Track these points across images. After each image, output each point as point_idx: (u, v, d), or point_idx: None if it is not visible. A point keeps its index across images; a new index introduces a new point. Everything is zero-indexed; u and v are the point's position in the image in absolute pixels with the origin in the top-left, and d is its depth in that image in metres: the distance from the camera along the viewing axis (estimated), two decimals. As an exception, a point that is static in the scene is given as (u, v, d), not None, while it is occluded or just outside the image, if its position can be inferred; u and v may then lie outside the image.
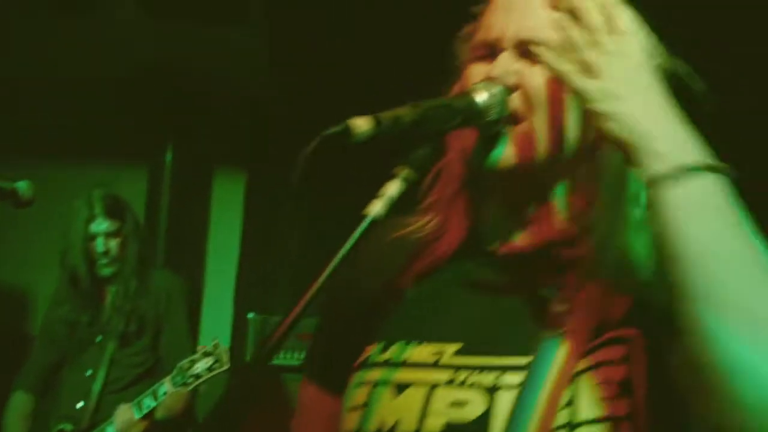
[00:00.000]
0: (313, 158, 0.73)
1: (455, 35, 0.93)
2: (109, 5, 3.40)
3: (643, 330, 0.79)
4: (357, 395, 0.85)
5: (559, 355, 0.78)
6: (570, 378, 0.76)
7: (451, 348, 0.83)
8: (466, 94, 0.80)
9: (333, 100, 3.71)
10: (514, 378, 0.77)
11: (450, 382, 0.80)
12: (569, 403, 0.76)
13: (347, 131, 0.72)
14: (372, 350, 0.88)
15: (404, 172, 0.76)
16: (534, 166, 0.83)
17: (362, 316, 0.92)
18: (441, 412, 0.79)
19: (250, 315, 3.57)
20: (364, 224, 0.74)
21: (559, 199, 0.86)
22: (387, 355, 0.86)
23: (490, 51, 0.85)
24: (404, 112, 0.76)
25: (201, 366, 2.42)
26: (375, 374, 0.85)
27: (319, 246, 3.00)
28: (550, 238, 0.85)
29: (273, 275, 3.82)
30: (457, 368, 0.81)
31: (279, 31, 3.61)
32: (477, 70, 0.85)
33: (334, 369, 0.93)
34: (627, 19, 0.77)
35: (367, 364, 0.87)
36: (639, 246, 0.80)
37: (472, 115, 0.79)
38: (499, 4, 0.87)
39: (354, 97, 3.42)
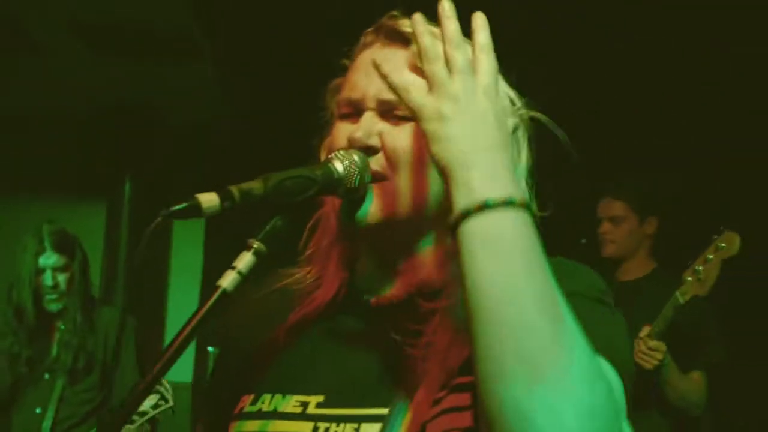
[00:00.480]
0: (155, 234, 0.75)
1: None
2: (59, 46, 3.51)
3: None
4: None
5: (413, 403, 0.80)
6: (419, 427, 0.78)
7: (316, 399, 0.85)
8: (325, 164, 0.82)
9: (283, 128, 3.91)
10: (373, 428, 0.79)
11: (315, 430, 0.83)
12: None
13: (195, 207, 0.73)
14: (246, 401, 0.90)
15: (256, 245, 0.78)
16: (399, 221, 0.85)
17: (241, 368, 0.94)
18: None
19: (210, 348, 3.69)
20: (215, 296, 0.76)
21: (425, 251, 0.88)
22: (258, 407, 0.88)
23: (355, 110, 0.87)
24: (255, 185, 0.77)
25: (146, 404, 2.43)
26: (249, 426, 0.88)
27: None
28: (414, 290, 0.87)
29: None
30: (320, 419, 0.83)
31: (228, 67, 3.73)
32: (342, 129, 0.87)
33: (217, 417, 0.96)
34: (484, 45, 0.76)
35: (241, 415, 0.89)
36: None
37: (331, 184, 0.81)
38: (361, 64, 0.88)
39: (300, 124, 3.52)
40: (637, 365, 2.23)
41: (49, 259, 2.59)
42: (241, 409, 0.89)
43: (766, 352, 3.20)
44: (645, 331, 2.26)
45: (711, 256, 2.22)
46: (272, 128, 4.03)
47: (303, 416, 0.84)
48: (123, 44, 3.57)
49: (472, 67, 0.74)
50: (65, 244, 2.65)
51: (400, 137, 0.83)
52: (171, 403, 2.49)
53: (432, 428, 0.78)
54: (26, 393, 2.64)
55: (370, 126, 0.84)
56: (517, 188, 0.72)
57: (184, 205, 0.73)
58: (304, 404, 0.85)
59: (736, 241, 2.21)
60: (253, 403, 0.88)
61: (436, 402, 0.80)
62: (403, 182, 0.83)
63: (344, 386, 0.85)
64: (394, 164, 0.84)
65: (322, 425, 0.82)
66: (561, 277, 0.73)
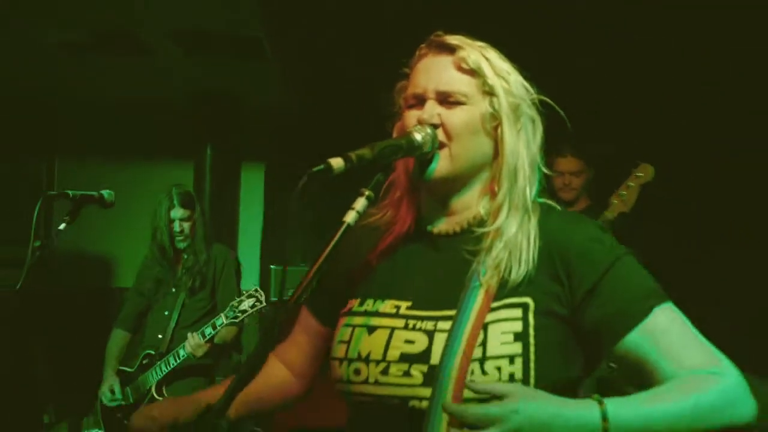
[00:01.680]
0: (306, 185, 0.93)
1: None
2: (162, 48, 4.14)
3: (533, 298, 1.02)
4: (344, 334, 1.12)
5: (474, 308, 1.02)
6: (481, 326, 1.00)
7: (404, 303, 1.09)
8: (408, 135, 1.04)
9: (335, 111, 4.60)
10: (446, 325, 1.03)
11: (404, 327, 1.06)
12: (482, 344, 1.00)
13: (328, 168, 0.94)
14: (353, 304, 1.14)
15: (367, 192, 1.02)
16: (454, 174, 1.08)
17: (347, 280, 1.17)
18: (397, 347, 1.05)
19: (272, 266, 4.71)
20: (342, 228, 0.98)
21: (469, 195, 1.12)
22: (364, 308, 1.12)
23: (418, 101, 1.10)
24: (365, 152, 0.99)
25: (246, 304, 2.96)
26: (356, 320, 1.12)
27: (317, 219, 4.04)
28: (467, 222, 1.11)
29: (287, 239, 4.86)
30: (409, 318, 1.07)
31: (289, 61, 4.36)
32: (411, 115, 1.09)
33: (326, 310, 1.22)
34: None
35: (351, 313, 1.13)
36: (525, 232, 1.06)
37: (412, 149, 1.04)
38: (421, 69, 1.11)
39: (350, 113, 4.20)
40: None
41: (177, 212, 3.22)
42: (350, 308, 1.14)
43: (680, 255, 3.59)
44: None
45: (632, 184, 2.70)
46: (325, 111, 4.70)
47: (397, 315, 1.09)
48: (208, 46, 4.10)
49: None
50: (188, 201, 3.27)
51: (453, 117, 1.08)
52: (264, 304, 3.03)
53: (491, 328, 1.01)
54: (159, 302, 3.34)
55: (432, 110, 1.08)
56: None
57: (321, 166, 0.94)
58: (398, 307, 1.09)
59: (650, 170, 2.70)
60: (360, 304, 1.13)
61: (494, 310, 1.01)
62: (457, 148, 1.08)
63: (425, 294, 1.08)
64: (450, 136, 1.07)
65: (411, 322, 1.07)
66: (605, 243, 1.03)
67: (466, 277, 1.07)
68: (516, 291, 1.05)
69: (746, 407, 0.97)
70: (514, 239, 1.06)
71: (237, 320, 2.98)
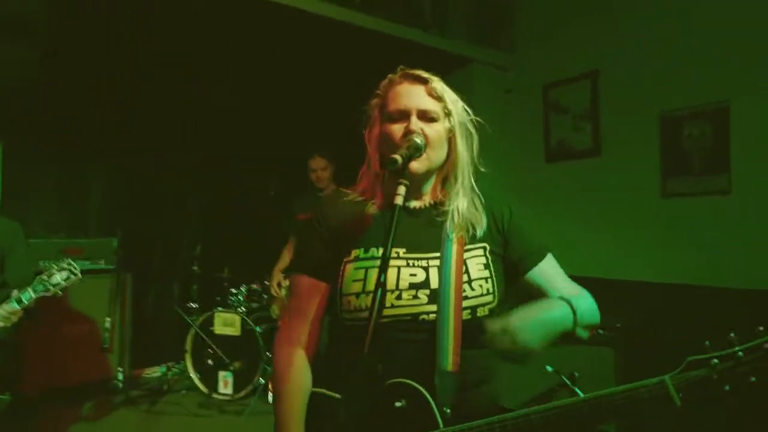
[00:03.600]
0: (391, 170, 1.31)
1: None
2: None
3: (487, 243, 1.43)
4: (357, 274, 1.36)
5: (453, 251, 1.37)
6: (462, 261, 1.37)
7: (401, 249, 1.39)
8: (412, 142, 1.36)
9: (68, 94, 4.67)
10: (435, 262, 1.37)
11: (406, 265, 1.37)
12: (466, 271, 1.37)
13: (393, 162, 1.29)
14: (358, 252, 1.39)
15: (405, 182, 1.31)
16: (428, 171, 1.42)
17: (339, 238, 1.41)
18: (405, 279, 1.36)
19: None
20: (397, 209, 1.25)
21: (431, 184, 1.47)
22: (370, 254, 1.38)
23: (402, 116, 1.39)
24: (403, 152, 1.33)
25: (59, 277, 2.76)
26: (366, 263, 1.37)
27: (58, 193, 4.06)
28: (433, 201, 1.47)
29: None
30: (408, 259, 1.38)
31: (47, 48, 4.42)
32: (396, 127, 1.39)
33: (326, 266, 1.41)
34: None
35: (358, 259, 1.38)
36: (474, 205, 1.44)
37: (415, 151, 1.36)
38: (402, 92, 1.41)
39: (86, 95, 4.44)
40: None
41: None
42: (356, 256, 1.38)
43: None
44: None
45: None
46: (62, 91, 4.75)
47: (398, 258, 1.38)
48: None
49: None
50: None
51: (432, 130, 1.40)
52: (79, 276, 2.81)
53: (469, 261, 1.38)
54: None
55: (417, 124, 1.39)
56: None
57: (394, 163, 1.30)
58: (397, 252, 1.38)
59: None
60: (365, 252, 1.39)
61: (467, 251, 1.39)
62: (431, 152, 1.41)
63: (414, 243, 1.39)
64: (429, 143, 1.39)
65: (410, 261, 1.38)
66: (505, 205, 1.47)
67: (440, 234, 1.42)
68: (477, 240, 1.43)
69: (598, 314, 1.45)
70: (468, 211, 1.44)
71: (49, 293, 2.79)
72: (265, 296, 4.86)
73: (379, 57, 4.31)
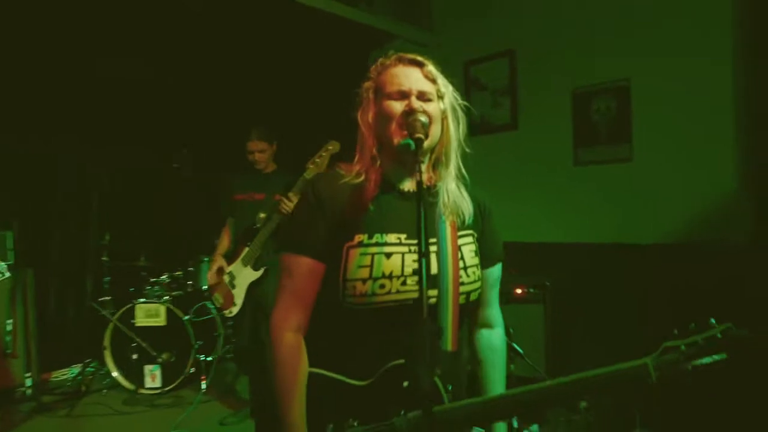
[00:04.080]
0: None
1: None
2: None
3: (474, 230, 1.49)
4: (363, 260, 1.36)
5: (447, 236, 1.40)
6: (457, 247, 1.42)
7: (402, 235, 1.40)
8: (420, 124, 1.38)
9: None
10: (434, 248, 1.41)
11: (409, 251, 1.38)
12: (461, 258, 1.42)
13: (420, 140, 1.34)
14: (362, 238, 1.37)
15: (422, 160, 1.36)
16: (427, 147, 1.42)
17: (340, 221, 1.38)
18: (409, 265, 1.37)
19: None
20: (419, 190, 1.24)
21: (428, 165, 1.48)
22: (374, 240, 1.37)
23: (401, 96, 1.41)
24: (420, 133, 1.35)
25: None
26: (371, 249, 1.36)
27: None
28: (426, 183, 1.45)
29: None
30: (410, 245, 1.39)
31: None
32: (396, 104, 1.41)
33: (326, 248, 1.39)
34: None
35: (363, 245, 1.37)
36: (460, 190, 1.46)
37: (423, 130, 1.37)
38: (400, 74, 1.43)
39: None
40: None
41: None
42: (361, 241, 1.37)
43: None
44: (290, 197, 3.45)
45: (324, 154, 3.39)
46: None
47: (401, 244, 1.39)
48: None
49: None
50: None
51: (431, 107, 1.42)
52: (8, 274, 2.98)
53: (463, 248, 1.44)
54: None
55: (417, 103, 1.40)
56: None
57: (411, 142, 1.35)
58: (399, 238, 1.39)
59: (337, 145, 3.40)
60: (369, 238, 1.38)
61: (459, 237, 1.44)
62: (433, 129, 1.42)
63: (413, 228, 1.41)
64: (431, 120, 1.41)
65: (412, 247, 1.40)
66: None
67: (434, 218, 1.45)
68: (466, 226, 1.49)
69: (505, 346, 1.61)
70: (457, 194, 1.47)
71: None
72: (190, 283, 4.74)
73: (307, 31, 4.44)
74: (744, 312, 2.42)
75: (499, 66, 4.54)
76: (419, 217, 1.19)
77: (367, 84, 1.48)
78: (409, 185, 1.48)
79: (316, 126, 3.97)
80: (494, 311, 1.58)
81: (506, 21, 4.50)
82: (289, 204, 3.40)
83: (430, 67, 1.45)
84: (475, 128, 4.54)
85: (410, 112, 1.39)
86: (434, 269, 1.40)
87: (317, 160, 3.37)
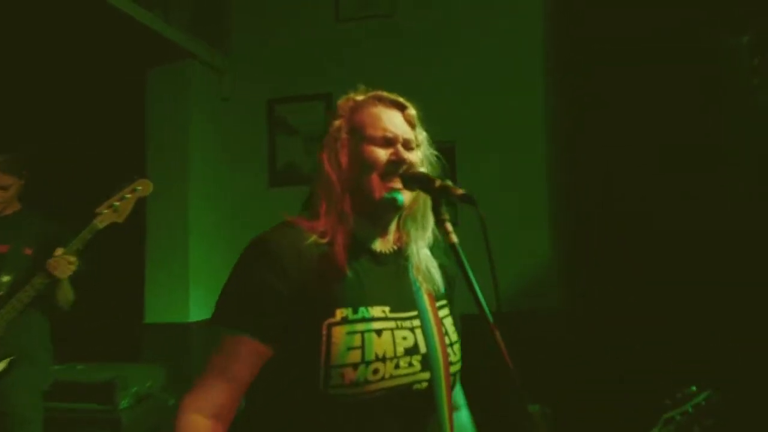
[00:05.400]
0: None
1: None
2: None
3: (447, 299, 1.41)
4: (352, 340, 1.22)
5: (427, 308, 1.33)
6: (439, 322, 1.34)
7: (386, 308, 1.28)
8: (420, 175, 1.29)
9: None
10: (417, 322, 1.31)
11: (397, 327, 1.27)
12: (446, 334, 1.34)
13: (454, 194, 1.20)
14: (345, 312, 1.23)
15: (448, 217, 1.21)
16: (407, 204, 1.34)
17: (313, 291, 1.23)
18: (400, 344, 1.26)
19: None
20: (459, 249, 1.16)
21: (395, 221, 1.38)
22: (360, 315, 1.24)
23: (386, 142, 1.31)
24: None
25: None
26: (359, 326, 1.23)
27: None
28: (395, 243, 1.38)
29: None
30: (396, 319, 1.28)
31: None
32: (379, 151, 1.30)
33: (272, 329, 1.23)
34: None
35: (349, 321, 1.23)
36: (434, 250, 1.38)
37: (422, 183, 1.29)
38: (383, 118, 1.33)
39: None
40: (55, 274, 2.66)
41: None
42: (344, 317, 1.23)
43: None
44: (60, 251, 2.68)
45: (128, 195, 2.74)
46: None
47: (387, 318, 1.27)
48: None
49: None
50: None
51: (414, 159, 1.32)
52: None
53: (444, 322, 1.37)
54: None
55: (404, 152, 1.31)
56: None
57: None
58: (383, 310, 1.27)
59: (149, 186, 2.78)
60: (354, 312, 1.24)
61: (438, 308, 1.37)
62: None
63: (394, 299, 1.30)
64: None
65: (398, 322, 1.28)
66: None
67: (409, 284, 1.35)
68: (442, 294, 1.40)
69: None
70: (429, 257, 1.38)
71: None
72: None
73: (83, 30, 3.52)
74: (555, 374, 2.83)
75: (312, 109, 4.00)
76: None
77: (338, 122, 1.35)
78: (381, 246, 1.36)
79: (83, 153, 3.58)
80: (458, 390, 1.52)
81: (320, 61, 4.05)
82: (65, 265, 2.64)
83: (412, 111, 1.37)
84: (279, 177, 4.04)
85: (398, 161, 1.30)
86: (423, 348, 1.29)
87: (116, 203, 2.72)
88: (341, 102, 1.38)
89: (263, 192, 4.12)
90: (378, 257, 1.34)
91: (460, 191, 1.18)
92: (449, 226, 1.18)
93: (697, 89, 3.52)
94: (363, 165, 1.30)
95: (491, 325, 1.07)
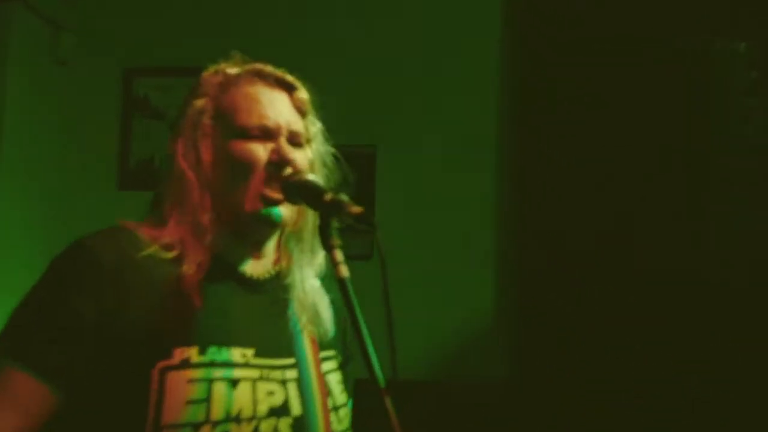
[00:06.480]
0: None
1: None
2: None
3: (336, 350, 1.24)
4: (196, 391, 1.02)
5: (308, 357, 1.16)
6: (321, 376, 1.17)
7: (249, 351, 1.10)
8: (312, 182, 1.13)
9: None
10: (291, 373, 1.13)
11: (261, 378, 1.09)
12: (329, 394, 1.17)
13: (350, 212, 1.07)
14: (188, 353, 1.04)
15: (340, 243, 1.04)
16: (290, 218, 1.18)
17: (144, 320, 1.04)
18: (263, 400, 1.08)
19: None
20: (348, 286, 1.00)
21: (275, 241, 1.21)
22: (209, 357, 1.05)
23: (264, 134, 1.13)
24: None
25: None
26: (206, 373, 1.04)
27: None
28: (273, 268, 1.20)
29: None
30: (261, 367, 1.10)
31: None
32: (256, 149, 1.12)
33: (71, 368, 1.02)
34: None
35: (191, 365, 1.04)
36: (326, 282, 1.21)
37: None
38: (263, 100, 1.14)
39: None
40: None
41: None
42: (186, 359, 1.04)
43: None
44: None
45: None
46: None
47: (249, 366, 1.09)
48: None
49: None
50: None
51: (300, 159, 1.15)
52: None
53: (328, 378, 1.19)
54: None
55: (291, 151, 1.14)
56: None
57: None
58: (245, 355, 1.10)
59: None
60: (201, 353, 1.06)
61: (323, 360, 1.19)
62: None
63: (262, 341, 1.12)
64: None
65: (264, 371, 1.10)
66: None
67: (286, 322, 1.20)
68: (328, 343, 1.23)
69: None
70: (317, 290, 1.21)
71: None
72: None
73: None
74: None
75: (186, 86, 3.07)
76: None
77: (200, 102, 1.16)
78: (253, 269, 1.18)
79: None
80: None
81: (207, 22, 3.33)
82: None
83: (303, 94, 1.19)
84: (133, 177, 3.33)
85: (280, 162, 1.13)
86: (296, 409, 1.11)
87: None
88: (207, 75, 1.20)
89: (108, 195, 3.39)
90: (249, 284, 1.18)
91: (356, 209, 1.02)
92: (339, 255, 1.01)
93: (680, 106, 3.10)
94: (231, 165, 1.14)
95: (381, 389, 0.93)
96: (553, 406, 3.09)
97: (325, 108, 2.98)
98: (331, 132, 2.91)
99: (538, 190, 3.30)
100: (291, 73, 1.17)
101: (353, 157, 3.11)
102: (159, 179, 1.16)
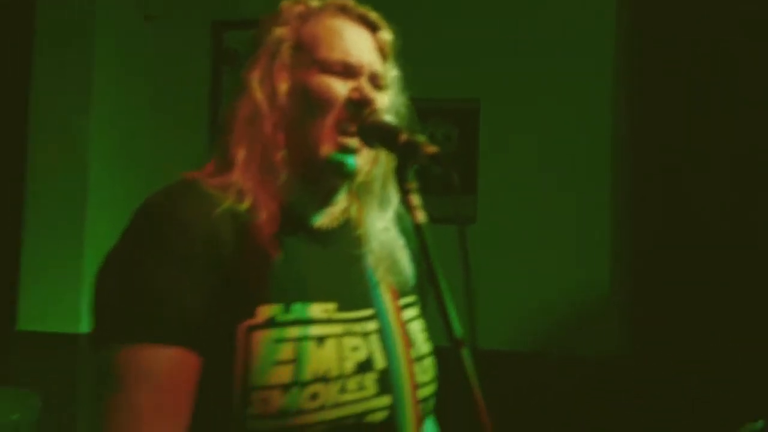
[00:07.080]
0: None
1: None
2: None
3: (416, 295, 1.21)
4: (281, 351, 1.01)
5: (387, 307, 1.14)
6: (402, 324, 1.15)
7: (331, 306, 1.08)
8: (388, 125, 1.09)
9: None
10: (373, 325, 1.11)
11: (345, 333, 1.07)
12: (412, 344, 1.15)
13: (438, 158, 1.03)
14: (273, 311, 1.03)
15: (414, 185, 1.02)
16: (363, 167, 1.14)
17: (232, 278, 1.03)
18: (349, 357, 1.06)
19: None
20: (424, 232, 0.97)
21: (346, 189, 1.17)
22: (293, 315, 1.04)
23: (346, 71, 1.08)
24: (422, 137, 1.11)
25: None
26: (292, 332, 1.03)
27: None
28: (343, 217, 1.16)
29: None
30: (344, 321, 1.08)
31: None
32: (336, 84, 1.07)
33: (198, 335, 1.01)
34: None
35: (277, 324, 1.03)
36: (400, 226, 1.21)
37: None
38: (345, 36, 1.10)
39: None
40: None
41: None
42: (271, 318, 1.04)
43: None
44: None
45: None
46: None
47: (332, 321, 1.08)
48: None
49: None
50: None
51: (381, 102, 1.12)
52: None
53: (409, 327, 1.16)
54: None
55: (371, 90, 1.09)
56: None
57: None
58: (327, 310, 1.09)
59: None
60: (286, 311, 1.05)
61: (403, 308, 1.17)
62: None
63: (341, 294, 1.10)
64: None
65: (347, 326, 1.08)
66: None
67: (362, 273, 1.17)
68: (408, 289, 1.21)
69: None
70: (394, 240, 1.19)
71: None
72: None
73: None
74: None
75: None
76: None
77: (280, 31, 1.11)
78: (323, 220, 1.16)
79: None
80: (430, 426, 1.28)
81: None
82: None
83: (386, 35, 1.14)
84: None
85: (362, 101, 1.08)
86: (380, 362, 1.09)
87: None
88: (287, 4, 1.15)
89: (200, 150, 3.39)
90: (319, 236, 1.14)
91: (432, 148, 0.97)
92: (415, 199, 0.99)
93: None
94: (308, 100, 1.09)
95: (457, 339, 0.90)
96: (666, 383, 2.98)
97: (423, 56, 2.82)
98: (430, 83, 2.87)
99: (654, 154, 3.11)
100: (384, 16, 1.13)
101: (454, 112, 2.94)
102: (223, 119, 1.11)
